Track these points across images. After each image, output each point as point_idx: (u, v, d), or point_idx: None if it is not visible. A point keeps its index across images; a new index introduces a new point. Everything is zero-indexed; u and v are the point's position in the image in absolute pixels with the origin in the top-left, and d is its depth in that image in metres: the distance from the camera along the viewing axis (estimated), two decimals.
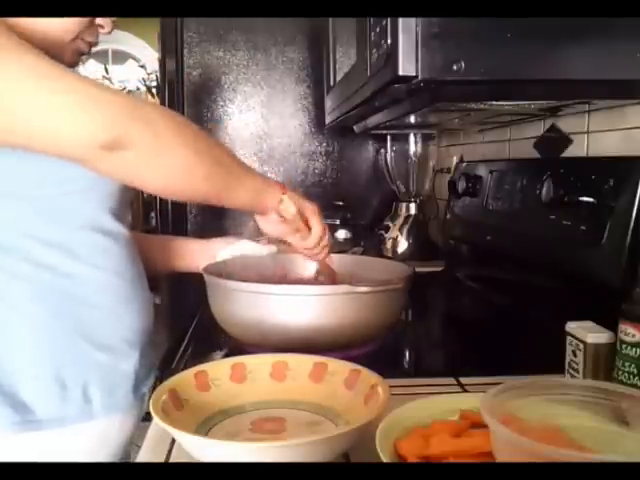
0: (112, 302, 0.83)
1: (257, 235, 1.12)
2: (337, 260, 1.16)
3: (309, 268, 1.13)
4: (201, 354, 0.97)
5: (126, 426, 0.86)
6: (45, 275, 0.78)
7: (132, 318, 0.86)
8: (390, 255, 1.70)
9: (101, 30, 0.85)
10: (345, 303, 0.88)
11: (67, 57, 0.82)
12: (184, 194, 0.78)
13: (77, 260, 0.80)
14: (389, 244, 1.74)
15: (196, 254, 1.09)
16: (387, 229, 1.77)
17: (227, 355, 0.94)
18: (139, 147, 0.65)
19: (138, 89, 4.28)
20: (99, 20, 0.83)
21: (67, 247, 0.79)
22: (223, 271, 0.99)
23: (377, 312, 0.91)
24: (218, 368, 0.74)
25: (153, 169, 0.69)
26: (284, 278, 1.10)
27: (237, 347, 0.95)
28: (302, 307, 0.88)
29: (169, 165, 0.69)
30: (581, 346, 0.73)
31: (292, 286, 0.95)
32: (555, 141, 1.17)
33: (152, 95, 3.54)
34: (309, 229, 0.94)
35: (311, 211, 0.93)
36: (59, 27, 0.79)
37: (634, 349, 0.66)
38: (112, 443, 0.85)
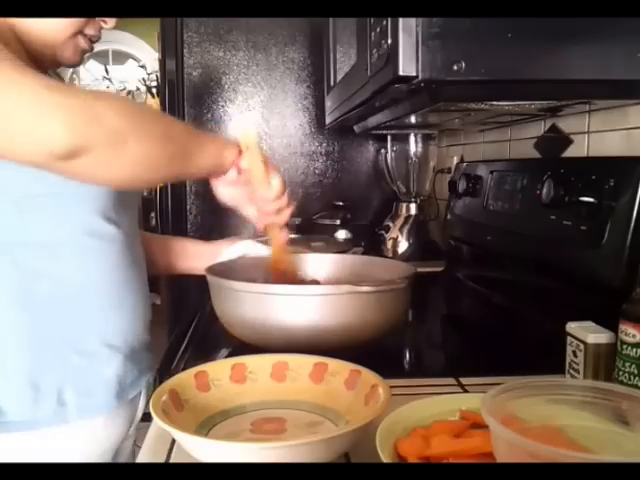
0: (95, 306, 0.82)
1: (259, 235, 1.12)
2: (339, 260, 1.17)
3: (312, 268, 1.13)
4: (201, 354, 0.97)
5: (110, 430, 0.85)
6: (27, 276, 0.77)
7: (119, 323, 0.85)
8: (390, 255, 1.70)
9: (103, 25, 0.84)
10: (348, 303, 0.88)
11: (67, 54, 0.82)
12: (150, 180, 0.76)
13: (61, 262, 0.79)
14: (389, 244, 1.74)
15: (201, 256, 1.09)
16: (387, 229, 1.77)
17: (227, 355, 0.94)
18: (97, 150, 0.62)
19: (138, 89, 4.28)
20: None
21: (52, 249, 0.78)
22: (226, 271, 0.99)
23: (381, 312, 0.91)
24: (218, 368, 0.74)
25: (114, 167, 0.66)
26: (287, 278, 1.10)
27: (237, 347, 0.94)
28: (305, 307, 0.88)
29: (130, 159, 0.66)
30: (581, 346, 0.72)
31: (295, 286, 0.95)
32: (555, 141, 1.17)
33: (152, 95, 3.54)
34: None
35: (270, 163, 0.87)
36: (55, 23, 0.78)
37: (634, 349, 0.66)
38: (93, 447, 0.84)
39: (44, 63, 0.83)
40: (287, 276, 1.01)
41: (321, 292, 0.90)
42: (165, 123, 0.73)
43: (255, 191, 0.86)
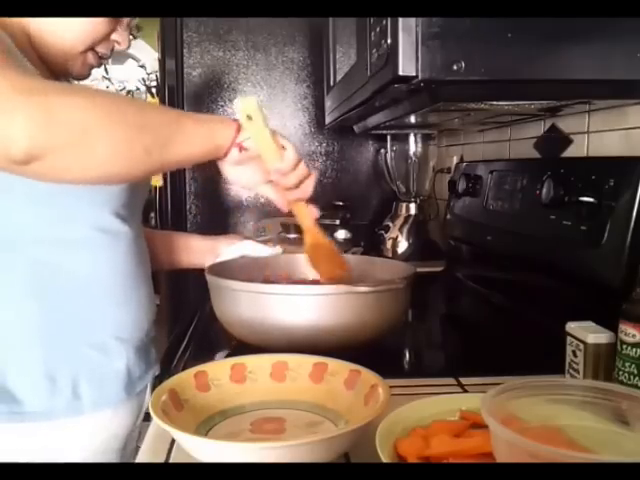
0: (107, 300, 0.84)
1: (259, 235, 1.12)
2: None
3: (306, 268, 1.13)
4: (201, 354, 0.97)
5: (118, 422, 0.87)
6: (41, 271, 0.78)
7: (127, 316, 0.86)
8: (390, 255, 1.70)
9: (117, 46, 0.87)
10: (346, 303, 0.88)
11: (77, 68, 0.85)
12: (127, 175, 0.69)
13: (74, 258, 0.80)
14: (389, 244, 1.73)
15: (202, 251, 1.10)
16: (387, 229, 1.77)
17: (227, 355, 0.94)
18: (58, 152, 0.59)
19: (138, 89, 4.27)
20: (116, 36, 0.85)
21: (65, 245, 0.79)
22: (225, 271, 0.99)
23: (379, 312, 0.91)
24: (218, 368, 0.74)
25: (81, 167, 0.62)
26: (288, 279, 1.10)
27: (237, 347, 0.94)
28: (303, 307, 0.88)
29: (98, 158, 0.62)
30: (581, 346, 0.72)
31: (293, 286, 0.95)
32: (555, 141, 1.17)
33: (152, 95, 3.54)
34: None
35: (278, 132, 0.78)
36: (72, 36, 0.81)
37: (634, 349, 0.66)
38: (102, 438, 0.85)
39: (56, 72, 0.86)
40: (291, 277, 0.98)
41: (319, 292, 0.89)
42: (138, 112, 0.66)
43: (268, 165, 0.76)
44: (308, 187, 0.80)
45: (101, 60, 0.87)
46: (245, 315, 0.91)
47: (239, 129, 0.74)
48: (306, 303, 0.88)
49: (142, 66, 4.21)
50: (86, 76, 0.88)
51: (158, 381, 0.91)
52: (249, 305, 0.90)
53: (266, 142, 0.74)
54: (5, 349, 0.78)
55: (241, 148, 0.74)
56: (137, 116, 0.65)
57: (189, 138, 0.69)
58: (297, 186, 0.79)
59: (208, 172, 1.89)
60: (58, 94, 0.59)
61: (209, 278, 0.96)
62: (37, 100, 0.57)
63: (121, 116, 0.63)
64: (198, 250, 1.11)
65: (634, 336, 0.65)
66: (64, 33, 0.80)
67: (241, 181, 0.80)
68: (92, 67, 0.87)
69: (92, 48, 0.84)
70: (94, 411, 0.82)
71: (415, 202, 1.78)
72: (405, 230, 1.73)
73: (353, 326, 0.88)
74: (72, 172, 0.62)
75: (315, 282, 1.08)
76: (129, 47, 0.87)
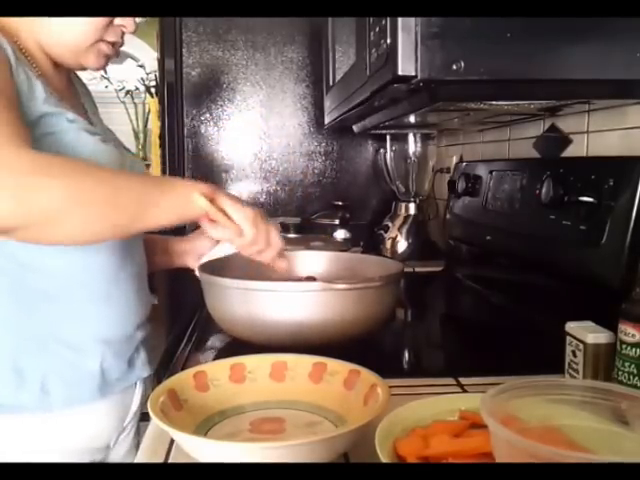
0: (82, 300, 0.83)
1: None
2: (335, 258, 1.17)
3: (310, 266, 1.14)
4: (200, 354, 0.97)
5: (97, 422, 0.87)
6: (16, 268, 0.78)
7: (106, 316, 0.85)
8: (389, 255, 1.70)
9: (124, 30, 0.87)
10: (326, 300, 0.89)
11: (91, 60, 0.86)
12: (97, 242, 0.76)
13: (49, 256, 0.80)
14: (388, 244, 1.74)
15: (181, 253, 1.10)
16: (386, 229, 1.77)
17: (226, 355, 0.94)
18: (29, 229, 0.63)
19: (137, 89, 4.27)
20: (120, 20, 0.85)
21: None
22: (219, 269, 0.99)
23: (360, 308, 0.92)
24: (217, 368, 0.74)
25: (50, 239, 0.67)
26: (279, 276, 1.10)
27: (236, 347, 0.94)
28: (287, 303, 0.89)
29: (65, 233, 0.66)
30: (581, 346, 0.72)
31: (276, 282, 0.96)
32: (555, 141, 1.17)
33: (151, 95, 3.54)
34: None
35: (241, 211, 0.80)
36: (75, 32, 0.82)
37: (634, 349, 0.66)
38: (81, 438, 0.85)
39: (68, 65, 0.87)
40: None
41: (299, 289, 0.91)
42: (111, 193, 0.68)
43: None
44: (267, 256, 0.84)
45: (114, 48, 0.88)
46: (235, 311, 0.93)
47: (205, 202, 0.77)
48: (289, 299, 0.90)
49: (141, 66, 4.20)
50: (103, 66, 0.88)
51: (157, 381, 0.91)
52: (238, 301, 0.92)
53: (225, 224, 0.78)
54: None
55: (210, 220, 0.77)
56: (110, 197, 0.67)
57: (161, 211, 0.72)
58: (257, 254, 0.84)
59: (208, 174, 1.90)
60: (36, 174, 0.62)
61: (201, 275, 0.98)
62: (18, 180, 0.60)
63: (93, 198, 0.66)
64: (177, 252, 1.10)
65: (634, 336, 0.65)
66: (68, 32, 0.82)
67: (216, 237, 0.84)
68: (108, 56, 0.88)
69: (100, 39, 0.85)
70: (65, 409, 0.82)
71: (414, 202, 1.78)
72: (404, 230, 1.73)
73: (335, 322, 0.89)
74: (45, 241, 0.68)
75: (311, 278, 1.09)
76: (137, 29, 0.87)
